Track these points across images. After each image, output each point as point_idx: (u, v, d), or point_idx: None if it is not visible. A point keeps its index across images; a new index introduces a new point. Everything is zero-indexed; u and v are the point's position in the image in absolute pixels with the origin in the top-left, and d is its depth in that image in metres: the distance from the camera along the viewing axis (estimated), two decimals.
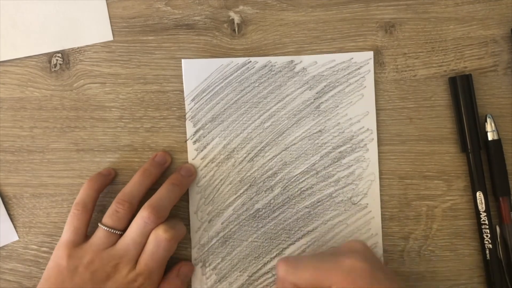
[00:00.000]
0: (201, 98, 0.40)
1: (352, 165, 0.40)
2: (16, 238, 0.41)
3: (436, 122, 0.40)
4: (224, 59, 0.40)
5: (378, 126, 0.40)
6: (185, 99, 0.40)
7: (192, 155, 0.40)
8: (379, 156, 0.40)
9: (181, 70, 0.40)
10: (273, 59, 0.40)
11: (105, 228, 0.37)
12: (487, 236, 0.38)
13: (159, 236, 0.36)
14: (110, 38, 0.41)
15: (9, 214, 0.41)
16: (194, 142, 0.40)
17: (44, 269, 0.41)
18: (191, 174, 0.40)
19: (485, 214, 0.38)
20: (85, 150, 0.41)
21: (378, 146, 0.40)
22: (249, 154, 0.40)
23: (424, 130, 0.40)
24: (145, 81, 0.41)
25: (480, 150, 0.39)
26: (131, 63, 0.41)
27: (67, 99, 0.41)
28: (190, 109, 0.40)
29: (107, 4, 0.41)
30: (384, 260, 0.40)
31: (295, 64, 0.40)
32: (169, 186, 0.38)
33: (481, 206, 0.38)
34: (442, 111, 0.40)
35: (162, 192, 0.38)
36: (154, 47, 0.41)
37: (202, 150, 0.40)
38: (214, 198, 0.40)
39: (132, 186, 0.38)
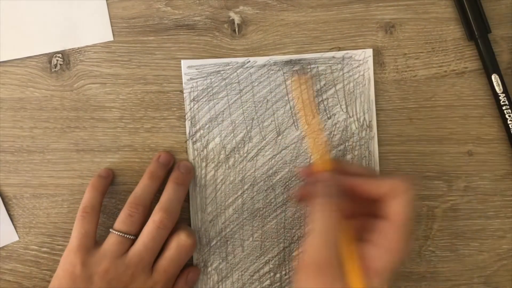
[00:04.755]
0: (201, 98, 0.40)
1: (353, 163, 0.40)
2: (16, 238, 0.41)
3: (436, 122, 0.40)
4: (223, 59, 0.40)
5: (378, 126, 0.40)
6: (184, 99, 0.40)
7: (192, 155, 0.40)
8: (379, 156, 0.40)
9: (181, 70, 0.40)
10: (272, 58, 0.40)
11: (119, 234, 0.36)
12: (509, 116, 0.38)
13: (182, 241, 0.36)
14: (110, 38, 0.41)
15: (9, 215, 0.41)
16: (194, 142, 0.40)
17: (44, 270, 0.41)
18: (190, 171, 0.40)
19: (504, 94, 0.38)
20: (85, 151, 0.41)
21: (378, 146, 0.40)
22: (249, 153, 0.40)
23: (424, 131, 0.40)
24: (145, 81, 0.41)
25: (488, 34, 0.39)
26: (131, 63, 0.41)
27: (67, 100, 0.41)
28: (189, 109, 0.40)
29: (107, 4, 0.41)
30: None
31: (294, 63, 0.40)
32: (175, 186, 0.38)
33: (499, 88, 0.38)
34: (442, 112, 0.40)
35: (169, 194, 0.37)
36: (155, 47, 0.41)
37: (202, 150, 0.40)
38: (214, 198, 0.40)
39: (143, 189, 0.38)
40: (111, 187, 0.41)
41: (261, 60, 0.40)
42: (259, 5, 0.40)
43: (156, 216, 0.36)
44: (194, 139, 0.40)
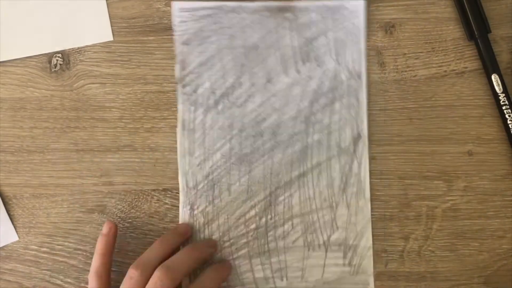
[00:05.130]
0: (192, 42, 0.40)
1: (341, 111, 0.40)
2: (16, 238, 0.41)
3: (436, 122, 0.40)
4: (216, 3, 0.40)
5: (378, 126, 0.40)
6: (174, 41, 0.40)
7: (182, 98, 0.40)
8: (379, 156, 0.40)
9: None
10: (264, 4, 0.40)
11: None
12: (509, 116, 0.38)
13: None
14: (110, 38, 0.41)
15: (9, 215, 0.41)
16: (184, 86, 0.40)
17: (44, 269, 0.41)
18: (214, 246, 0.39)
19: (503, 94, 0.38)
20: (85, 150, 0.41)
21: (378, 146, 0.40)
22: (238, 99, 0.40)
23: (424, 131, 0.40)
24: (145, 81, 0.41)
25: (488, 34, 0.39)
26: (131, 63, 0.41)
27: (67, 100, 0.41)
28: (179, 52, 0.40)
29: (107, 4, 0.41)
30: (384, 260, 0.40)
31: (286, 10, 0.40)
32: (190, 251, 0.37)
33: (499, 88, 0.38)
34: (442, 111, 0.40)
35: (180, 255, 0.36)
36: (154, 47, 0.41)
37: (191, 94, 0.40)
38: (202, 142, 0.40)
39: (149, 252, 0.37)
40: (111, 187, 0.41)
41: (253, 5, 0.40)
42: None
43: (157, 272, 0.34)
44: (183, 83, 0.40)
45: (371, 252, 0.40)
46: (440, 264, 0.40)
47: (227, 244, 0.40)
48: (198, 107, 0.40)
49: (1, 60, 0.41)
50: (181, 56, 0.40)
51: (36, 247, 0.41)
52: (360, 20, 0.40)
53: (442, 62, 0.40)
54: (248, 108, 0.40)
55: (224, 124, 0.40)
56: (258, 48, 0.40)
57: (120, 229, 0.41)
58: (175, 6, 0.40)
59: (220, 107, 0.40)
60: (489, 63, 0.39)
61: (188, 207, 0.40)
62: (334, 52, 0.40)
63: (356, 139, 0.40)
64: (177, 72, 0.40)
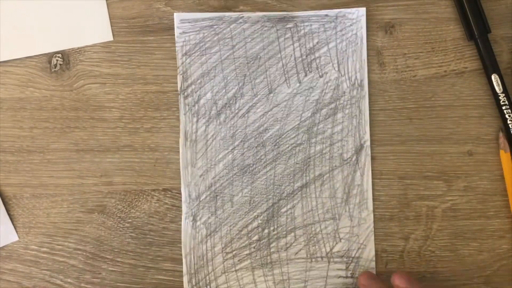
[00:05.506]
0: (193, 53, 0.40)
1: (343, 122, 0.40)
2: (16, 238, 0.41)
3: (436, 122, 0.40)
4: (217, 14, 0.40)
5: (378, 126, 0.40)
6: (176, 53, 0.40)
7: (184, 110, 0.40)
8: (379, 156, 0.40)
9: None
10: (266, 14, 0.40)
11: None
12: (509, 116, 0.38)
13: None
14: (110, 38, 0.41)
15: (9, 215, 0.41)
16: (186, 97, 0.40)
17: (44, 270, 0.41)
18: None
19: (503, 94, 0.39)
20: (85, 150, 0.41)
21: (378, 146, 0.40)
22: (240, 110, 0.40)
23: (424, 131, 0.40)
24: (145, 81, 0.41)
25: (488, 34, 0.39)
26: (131, 63, 0.41)
27: (67, 100, 0.41)
28: (181, 64, 0.40)
29: (107, 4, 0.41)
30: (384, 260, 0.40)
31: (288, 20, 0.40)
32: None
33: (498, 88, 0.38)
34: (442, 112, 0.40)
35: None
36: (154, 47, 0.41)
37: (193, 105, 0.40)
38: (205, 153, 0.40)
39: None
40: (111, 187, 0.41)
41: (254, 16, 0.40)
42: (259, 5, 0.40)
43: None
44: (185, 93, 0.40)
45: (374, 264, 0.40)
46: (440, 264, 0.40)
47: (229, 255, 0.40)
48: (200, 117, 0.40)
49: (1, 60, 0.41)
50: (182, 67, 0.40)
51: (36, 247, 0.41)
52: (361, 29, 0.40)
53: (442, 62, 0.40)
54: (250, 119, 0.40)
55: (226, 135, 0.40)
56: (260, 59, 0.40)
57: (120, 229, 0.41)
58: (176, 17, 0.40)
59: (222, 117, 0.40)
60: (489, 63, 0.39)
61: (191, 218, 0.40)
62: (336, 62, 0.40)
63: (359, 149, 0.40)
64: (179, 83, 0.40)
